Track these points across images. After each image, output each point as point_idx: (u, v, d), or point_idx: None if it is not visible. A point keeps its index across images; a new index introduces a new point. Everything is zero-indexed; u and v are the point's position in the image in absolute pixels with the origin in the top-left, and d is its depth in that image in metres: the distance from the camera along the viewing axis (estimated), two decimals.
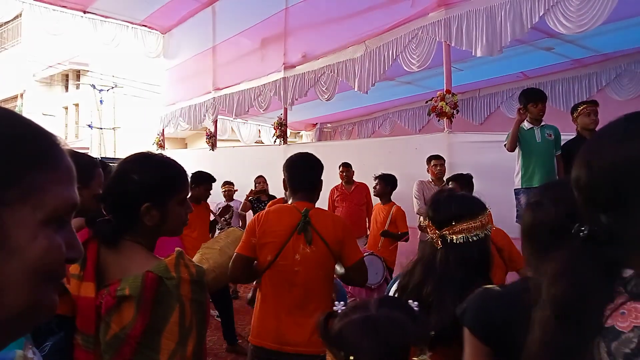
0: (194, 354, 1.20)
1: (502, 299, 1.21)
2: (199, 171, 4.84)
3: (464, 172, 4.17)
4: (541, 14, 4.59)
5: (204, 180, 4.79)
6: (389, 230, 4.81)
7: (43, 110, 19.82)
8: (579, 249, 0.68)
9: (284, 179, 2.37)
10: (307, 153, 2.43)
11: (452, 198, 1.77)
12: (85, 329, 1.17)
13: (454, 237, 1.55)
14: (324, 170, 2.41)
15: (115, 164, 1.40)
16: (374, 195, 5.10)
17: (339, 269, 2.31)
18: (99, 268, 1.23)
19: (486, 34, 4.94)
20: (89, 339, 1.17)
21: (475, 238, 1.53)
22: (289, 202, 2.35)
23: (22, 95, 20.86)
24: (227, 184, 6.66)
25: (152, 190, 1.29)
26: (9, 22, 19.32)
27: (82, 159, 1.91)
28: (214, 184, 4.98)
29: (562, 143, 4.03)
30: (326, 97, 6.98)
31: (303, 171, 2.35)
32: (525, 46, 6.24)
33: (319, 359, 2.13)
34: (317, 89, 7.05)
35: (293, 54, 7.53)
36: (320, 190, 2.40)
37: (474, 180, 4.07)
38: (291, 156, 2.40)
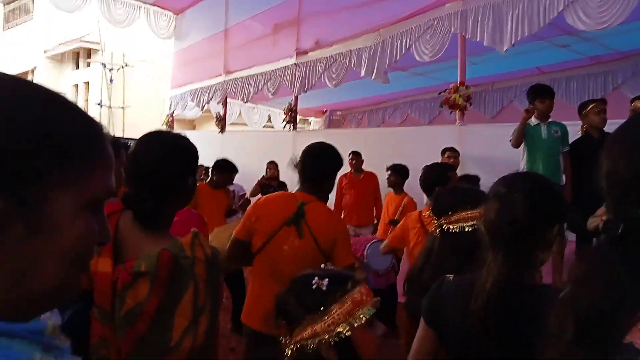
0: (206, 332, 1.21)
1: (453, 288, 1.26)
2: (224, 159, 5.11)
3: (473, 171, 4.17)
4: (560, 9, 4.51)
5: (229, 169, 5.06)
6: (398, 220, 4.82)
7: (53, 87, 19.86)
8: (611, 248, 0.63)
9: (295, 164, 2.32)
10: (323, 144, 2.34)
11: (452, 189, 1.87)
12: (102, 303, 1.19)
13: (451, 226, 1.62)
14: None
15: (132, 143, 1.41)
16: (388, 186, 5.08)
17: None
18: (116, 244, 1.25)
19: (503, 27, 4.87)
20: (105, 312, 1.19)
21: (471, 228, 1.58)
22: (294, 190, 2.31)
23: (32, 71, 20.89)
24: None
25: (194, 165, 1.37)
26: None
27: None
28: None
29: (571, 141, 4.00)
30: (334, 83, 6.95)
31: (314, 161, 2.27)
32: (541, 42, 6.16)
33: None
34: (327, 75, 7.01)
35: (306, 41, 7.48)
36: (331, 184, 2.33)
37: (484, 173, 4.06)
38: (311, 144, 2.32)
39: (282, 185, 6.16)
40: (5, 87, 0.48)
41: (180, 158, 1.32)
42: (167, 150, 1.31)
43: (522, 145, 4.02)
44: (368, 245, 4.05)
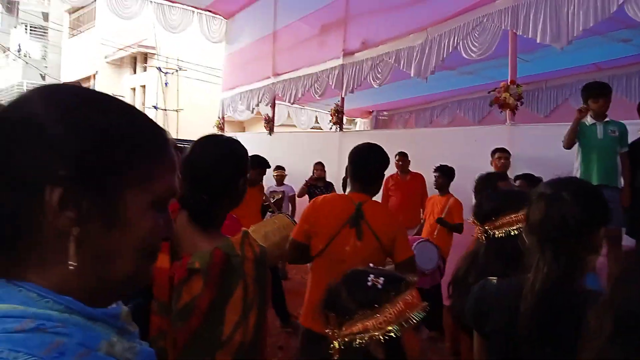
0: (255, 328, 1.28)
1: (497, 290, 1.27)
2: (255, 155, 4.99)
3: (529, 170, 4.04)
4: (621, 1, 4.30)
5: (260, 164, 4.95)
6: (445, 219, 4.79)
7: (113, 91, 20.94)
8: None
9: (346, 167, 2.38)
10: (374, 144, 2.37)
11: (493, 194, 1.82)
12: (160, 296, 1.28)
13: (496, 231, 1.59)
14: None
15: (186, 147, 1.51)
16: (435, 187, 5.02)
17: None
18: (173, 242, 1.34)
19: (556, 23, 4.69)
20: (163, 305, 1.28)
21: (516, 231, 1.55)
22: (347, 191, 2.36)
23: (94, 76, 22.14)
24: (279, 168, 6.80)
25: (245, 167, 1.44)
26: (84, 7, 20.47)
27: None
28: (271, 169, 5.16)
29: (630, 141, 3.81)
30: (378, 82, 6.92)
31: (365, 162, 2.31)
32: (599, 37, 5.88)
33: None
34: (372, 75, 7.00)
35: (352, 41, 7.50)
36: (380, 183, 2.37)
37: (536, 175, 3.94)
38: (357, 145, 2.37)
39: (329, 186, 6.23)
40: (89, 99, 0.56)
41: (232, 162, 1.40)
42: (221, 154, 1.39)
43: (577, 146, 3.86)
44: (415, 244, 4.05)
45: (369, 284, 1.10)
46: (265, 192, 6.19)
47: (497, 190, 3.07)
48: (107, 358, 0.52)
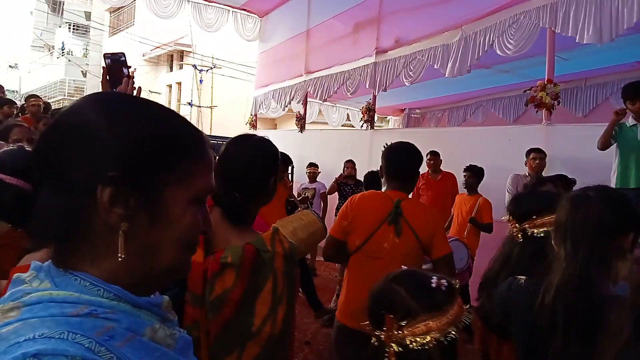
0: (284, 320, 1.32)
1: (523, 288, 1.27)
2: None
3: (565, 172, 3.93)
4: None
5: (282, 161, 5.09)
6: (477, 219, 4.75)
7: (150, 87, 21.52)
8: None
9: (380, 166, 2.39)
10: (407, 142, 2.40)
11: (534, 192, 1.78)
12: (194, 288, 1.35)
13: (535, 230, 1.55)
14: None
15: (223, 142, 1.57)
16: (464, 187, 4.99)
17: (425, 266, 2.31)
18: (207, 237, 1.40)
19: (597, 20, 4.54)
20: (197, 297, 1.34)
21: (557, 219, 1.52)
22: (383, 189, 2.38)
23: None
24: (312, 165, 6.85)
25: (276, 167, 1.49)
26: (124, 6, 21.09)
27: None
28: (302, 166, 5.26)
29: None
30: (411, 80, 6.87)
31: (401, 160, 2.34)
32: None
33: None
34: (404, 73, 6.95)
35: (386, 39, 7.47)
36: (416, 181, 2.40)
37: (572, 176, 3.84)
38: (391, 144, 2.40)
39: (359, 184, 6.24)
40: (133, 106, 0.62)
41: (264, 162, 1.45)
42: (253, 154, 1.44)
43: (615, 147, 3.75)
44: None
45: (434, 285, 1.08)
46: (298, 189, 6.29)
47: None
48: (150, 342, 0.57)
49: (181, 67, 21.75)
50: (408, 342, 1.03)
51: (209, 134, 15.70)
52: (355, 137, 8.37)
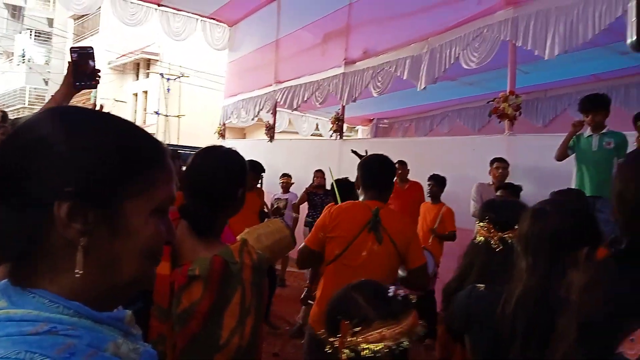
0: (252, 332, 1.32)
1: (483, 296, 1.31)
2: (250, 160, 5.11)
3: (523, 182, 4.10)
4: (618, 14, 4.35)
5: (253, 168, 5.05)
6: (437, 231, 4.87)
7: (115, 96, 21.08)
8: (614, 262, 0.69)
9: (357, 176, 2.46)
10: (382, 155, 2.52)
11: (512, 202, 1.80)
12: (161, 302, 1.32)
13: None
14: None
15: (191, 153, 1.56)
16: (428, 195, 5.11)
17: (401, 272, 2.35)
18: (174, 249, 1.38)
19: (556, 34, 4.75)
20: (163, 311, 1.32)
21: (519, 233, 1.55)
22: (360, 199, 2.44)
23: None
24: (285, 176, 6.85)
25: (244, 178, 1.48)
26: (89, 13, 20.64)
27: None
28: (272, 176, 5.23)
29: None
30: (378, 91, 6.98)
31: (377, 171, 2.43)
32: (599, 49, 5.93)
33: None
34: (373, 84, 7.06)
35: (354, 50, 7.57)
36: (392, 191, 2.47)
37: (533, 184, 4.00)
38: (367, 156, 2.56)
39: (329, 193, 6.27)
40: (90, 120, 0.61)
41: (231, 174, 1.44)
42: (220, 167, 1.44)
43: (574, 158, 3.90)
44: None
45: (390, 294, 1.11)
46: (270, 199, 6.27)
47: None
48: (113, 358, 0.56)
49: (148, 75, 21.40)
50: (360, 349, 1.04)
51: (176, 143, 15.48)
52: (324, 147, 8.42)
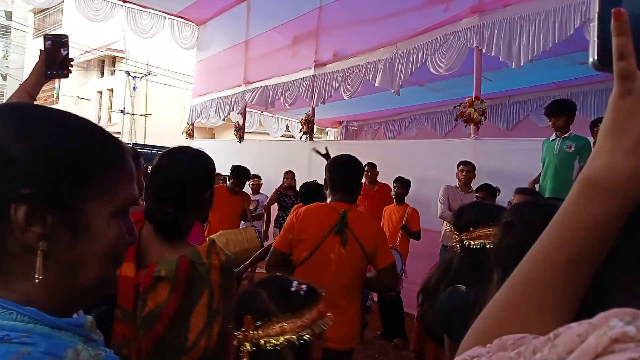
0: (220, 334, 1.30)
1: (464, 298, 1.34)
2: (238, 165, 5.41)
3: (491, 182, 4.20)
4: (577, 25, 4.54)
5: (237, 174, 5.34)
6: (407, 226, 5.00)
7: (79, 93, 20.45)
8: None
9: (325, 178, 2.44)
10: (350, 156, 2.49)
11: (475, 205, 1.85)
12: (125, 304, 1.29)
13: (472, 242, 1.60)
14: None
15: (158, 152, 1.52)
16: (394, 197, 5.22)
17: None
18: (139, 251, 1.35)
19: (520, 43, 4.92)
20: (127, 313, 1.29)
21: (491, 245, 1.55)
22: (328, 200, 2.42)
23: (59, 78, 21.54)
24: (255, 177, 6.80)
25: (211, 180, 1.46)
26: (50, 7, 19.94)
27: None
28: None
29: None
30: (349, 94, 7.04)
31: (345, 173, 2.41)
32: (559, 58, 6.17)
33: (348, 355, 2.25)
34: (343, 87, 7.12)
35: (324, 52, 7.61)
36: (360, 192, 2.47)
37: (499, 186, 4.11)
38: (335, 157, 2.51)
39: (299, 195, 6.28)
40: (46, 118, 0.58)
41: (200, 175, 1.41)
42: (188, 168, 1.40)
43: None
44: None
45: (293, 289, 1.15)
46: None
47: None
48: None
49: (113, 73, 20.87)
50: (262, 342, 1.09)
51: (142, 142, 15.14)
52: (294, 148, 8.40)
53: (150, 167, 1.51)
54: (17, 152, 0.53)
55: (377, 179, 5.77)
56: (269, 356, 1.08)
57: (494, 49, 5.13)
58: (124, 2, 9.47)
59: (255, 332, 1.10)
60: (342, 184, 2.39)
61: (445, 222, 4.99)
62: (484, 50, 5.28)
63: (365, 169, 5.68)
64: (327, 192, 2.47)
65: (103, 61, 21.68)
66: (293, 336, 1.09)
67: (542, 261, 0.48)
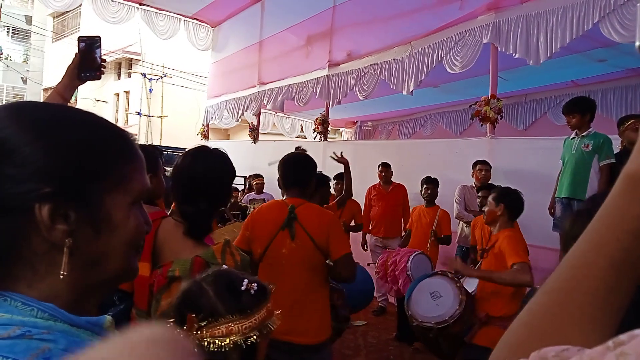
0: None
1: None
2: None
3: (503, 184, 4.13)
4: (595, 21, 4.45)
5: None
6: (437, 232, 4.85)
7: (96, 96, 20.73)
8: None
9: (278, 177, 2.50)
10: (300, 153, 2.59)
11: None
12: (140, 304, 1.30)
13: None
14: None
15: (174, 153, 1.54)
16: (425, 198, 5.00)
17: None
18: (155, 250, 1.36)
19: (536, 39, 4.84)
20: (142, 313, 1.30)
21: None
22: (283, 197, 2.50)
23: None
24: (257, 177, 6.85)
25: (234, 177, 1.51)
26: (69, 11, 20.28)
27: (147, 150, 2.08)
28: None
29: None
30: (364, 95, 7.01)
31: (295, 170, 2.48)
32: (577, 56, 6.06)
33: (312, 349, 2.24)
34: (358, 87, 7.08)
35: (338, 52, 7.59)
36: (313, 187, 2.51)
37: (514, 186, 4.03)
38: (285, 156, 2.55)
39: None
40: (57, 116, 0.59)
41: (227, 173, 1.46)
42: (216, 166, 1.44)
43: None
44: (411, 257, 4.08)
45: (243, 288, 1.08)
46: (245, 200, 6.26)
47: None
48: None
49: (130, 75, 21.10)
50: (205, 344, 1.01)
51: (159, 144, 15.30)
52: (308, 149, 8.38)
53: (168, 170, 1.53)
54: (31, 151, 0.54)
55: (392, 179, 5.73)
56: (212, 357, 1.01)
57: (510, 46, 5.06)
58: (140, 4, 9.57)
59: (199, 333, 1.02)
60: (293, 181, 2.44)
61: (461, 222, 4.93)
62: (501, 49, 5.20)
63: (379, 169, 5.66)
64: (282, 191, 2.55)
65: (120, 64, 21.95)
66: (240, 337, 1.02)
67: (582, 267, 0.44)
